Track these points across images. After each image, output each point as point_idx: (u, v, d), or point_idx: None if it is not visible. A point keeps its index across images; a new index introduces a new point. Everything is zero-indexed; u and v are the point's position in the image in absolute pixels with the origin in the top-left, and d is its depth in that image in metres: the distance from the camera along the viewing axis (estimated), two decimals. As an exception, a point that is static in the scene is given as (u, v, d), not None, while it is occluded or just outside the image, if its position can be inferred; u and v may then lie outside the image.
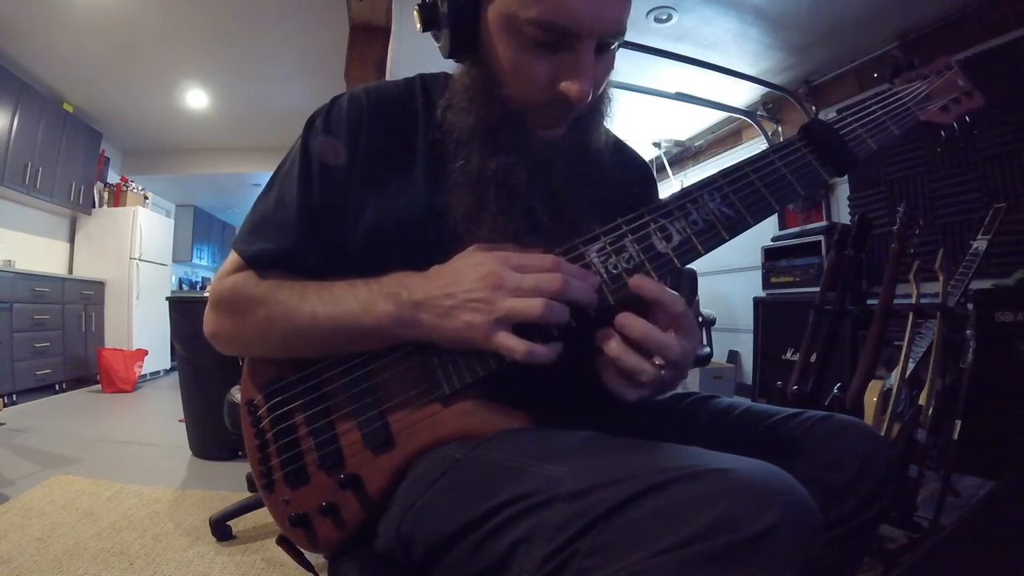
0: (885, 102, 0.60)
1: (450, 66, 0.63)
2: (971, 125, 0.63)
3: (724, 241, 0.50)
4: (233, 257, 0.61)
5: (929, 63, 0.65)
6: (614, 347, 0.48)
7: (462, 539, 0.43)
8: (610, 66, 0.57)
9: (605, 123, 0.63)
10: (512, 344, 0.47)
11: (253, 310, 0.57)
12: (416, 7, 0.56)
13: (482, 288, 0.48)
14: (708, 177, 0.52)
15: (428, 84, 0.65)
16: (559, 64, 0.52)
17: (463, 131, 0.57)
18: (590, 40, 0.51)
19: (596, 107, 0.60)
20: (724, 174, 0.52)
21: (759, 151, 0.54)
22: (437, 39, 0.58)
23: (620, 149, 0.73)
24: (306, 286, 0.56)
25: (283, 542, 0.59)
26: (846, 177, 3.02)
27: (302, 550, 0.58)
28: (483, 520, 0.42)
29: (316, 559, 0.60)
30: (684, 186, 0.53)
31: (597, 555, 0.34)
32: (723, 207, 0.50)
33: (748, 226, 0.51)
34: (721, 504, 0.32)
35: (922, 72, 0.64)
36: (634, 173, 0.74)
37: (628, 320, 0.48)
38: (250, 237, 0.59)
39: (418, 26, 0.57)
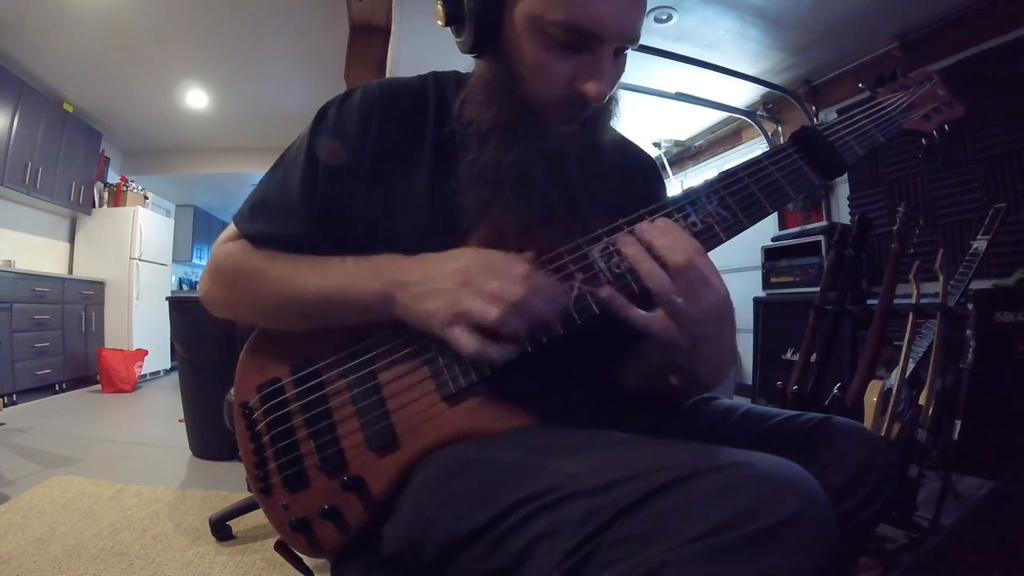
0: (871, 111, 0.64)
1: (455, 64, 0.63)
2: (951, 133, 0.68)
3: (722, 242, 0.53)
4: (232, 227, 0.62)
5: (910, 74, 0.70)
6: (631, 246, 0.48)
7: (478, 539, 0.43)
8: (622, 69, 0.59)
9: (613, 122, 0.65)
10: (464, 342, 0.48)
11: (247, 279, 0.59)
12: (439, 1, 0.58)
13: (452, 282, 0.49)
14: (706, 181, 0.55)
15: (440, 82, 0.66)
16: (579, 65, 0.54)
17: (482, 124, 0.58)
18: (610, 44, 0.53)
19: (607, 106, 0.62)
20: (720, 179, 0.55)
21: (754, 156, 0.57)
22: (458, 34, 0.59)
23: (626, 146, 0.75)
24: (300, 259, 0.57)
25: (281, 547, 0.58)
26: (846, 177, 3.01)
27: (302, 556, 0.57)
28: (500, 519, 0.42)
29: (313, 561, 0.60)
30: (684, 187, 0.54)
31: (622, 546, 0.35)
32: (720, 209, 0.53)
33: (744, 227, 0.53)
34: (745, 495, 0.34)
35: (904, 83, 0.68)
36: (640, 169, 0.76)
37: (645, 226, 0.49)
38: (251, 215, 0.61)
39: (439, 21, 0.58)
